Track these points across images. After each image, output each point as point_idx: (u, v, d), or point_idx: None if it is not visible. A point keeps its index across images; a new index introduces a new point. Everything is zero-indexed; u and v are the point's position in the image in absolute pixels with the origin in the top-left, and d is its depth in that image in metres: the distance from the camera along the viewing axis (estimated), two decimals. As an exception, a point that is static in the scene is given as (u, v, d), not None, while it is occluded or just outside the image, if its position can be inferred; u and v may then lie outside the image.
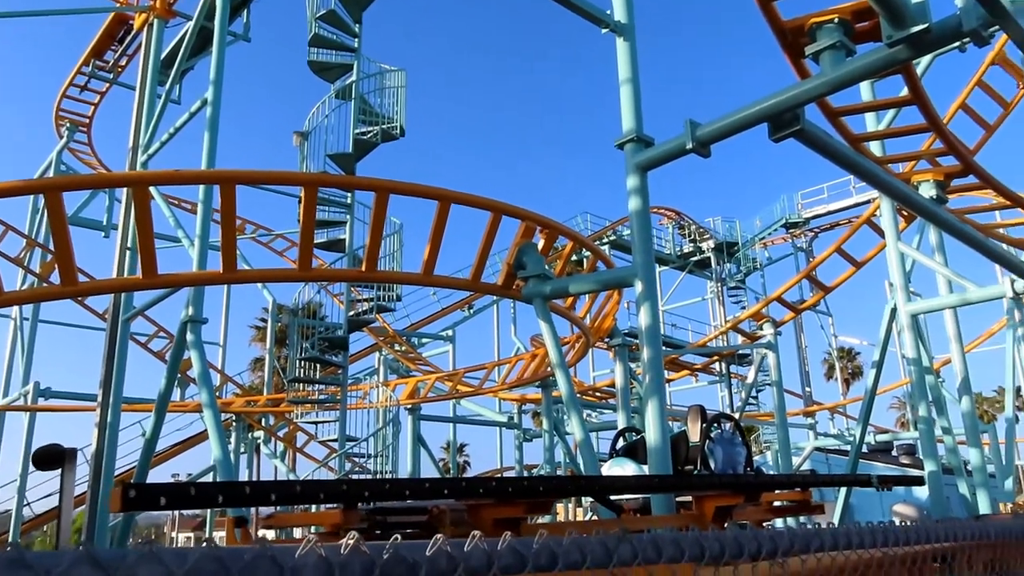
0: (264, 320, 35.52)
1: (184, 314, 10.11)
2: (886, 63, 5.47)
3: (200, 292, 10.24)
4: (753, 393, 23.72)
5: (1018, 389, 12.94)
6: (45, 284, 17.79)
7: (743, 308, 28.16)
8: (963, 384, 12.19)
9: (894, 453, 21.98)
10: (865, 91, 10.82)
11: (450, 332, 25.60)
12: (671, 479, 6.69)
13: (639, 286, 7.34)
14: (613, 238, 28.56)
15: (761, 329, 17.97)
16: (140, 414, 18.00)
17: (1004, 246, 10.12)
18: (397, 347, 22.47)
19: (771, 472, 15.89)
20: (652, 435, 6.86)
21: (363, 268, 9.21)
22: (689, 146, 6.44)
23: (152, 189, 10.30)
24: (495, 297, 24.02)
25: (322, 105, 13.77)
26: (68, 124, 21.24)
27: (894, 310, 11.81)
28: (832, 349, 35.94)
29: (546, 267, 9.18)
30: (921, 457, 11.56)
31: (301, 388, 14.89)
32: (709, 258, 30.17)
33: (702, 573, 1.73)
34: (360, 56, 13.84)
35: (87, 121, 21.41)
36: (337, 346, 13.75)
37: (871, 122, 11.16)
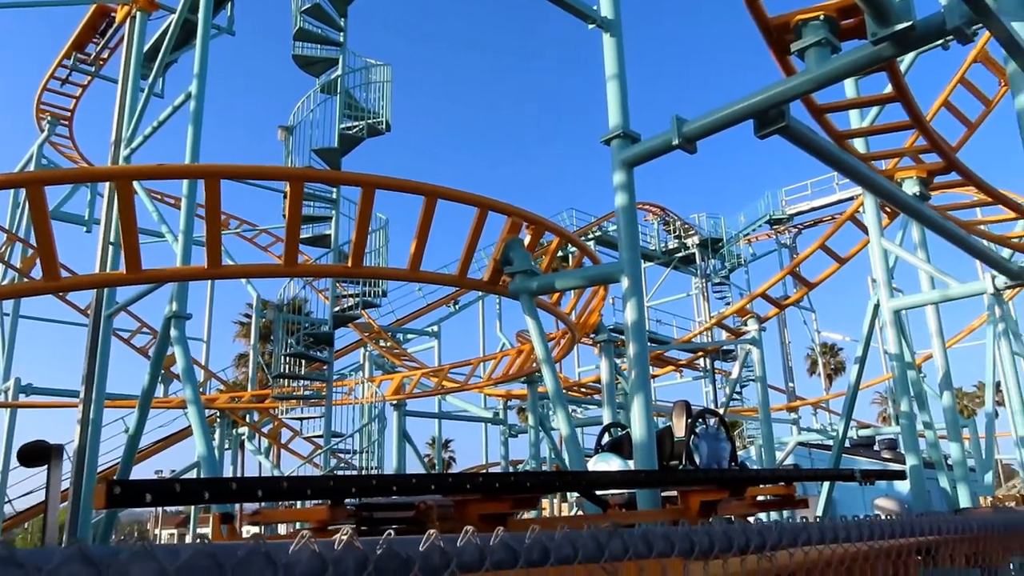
0: (248, 316, 35.32)
1: (168, 309, 10.03)
2: (871, 60, 5.51)
3: (184, 287, 10.17)
4: (737, 389, 23.89)
5: (998, 384, 13.08)
6: (26, 279, 17.58)
7: (727, 304, 28.32)
8: (944, 379, 12.32)
9: (876, 448, 22.16)
10: (849, 88, 10.88)
11: (435, 328, 25.58)
12: (657, 474, 6.72)
13: (625, 282, 7.36)
14: (599, 234, 28.62)
15: (745, 325, 18.07)
16: (123, 410, 17.85)
17: (985, 242, 10.22)
18: (383, 343, 22.43)
19: (755, 467, 16.00)
20: (637, 430, 6.89)
21: (349, 264, 9.18)
22: (675, 142, 6.46)
23: (135, 183, 10.20)
24: (481, 293, 24.02)
25: (307, 100, 13.68)
26: (49, 117, 20.97)
27: (877, 306, 11.92)
28: (815, 345, 36.23)
29: (532, 263, 9.18)
30: (903, 451, 11.69)
31: (286, 384, 14.84)
32: (694, 254, 30.29)
33: (692, 567, 1.74)
34: (345, 50, 13.76)
35: (69, 114, 21.15)
36: (322, 342, 13.70)
37: (855, 119, 11.23)
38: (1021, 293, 18.21)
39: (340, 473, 14.02)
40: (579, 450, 8.77)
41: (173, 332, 9.94)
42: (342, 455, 14.76)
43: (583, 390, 23.42)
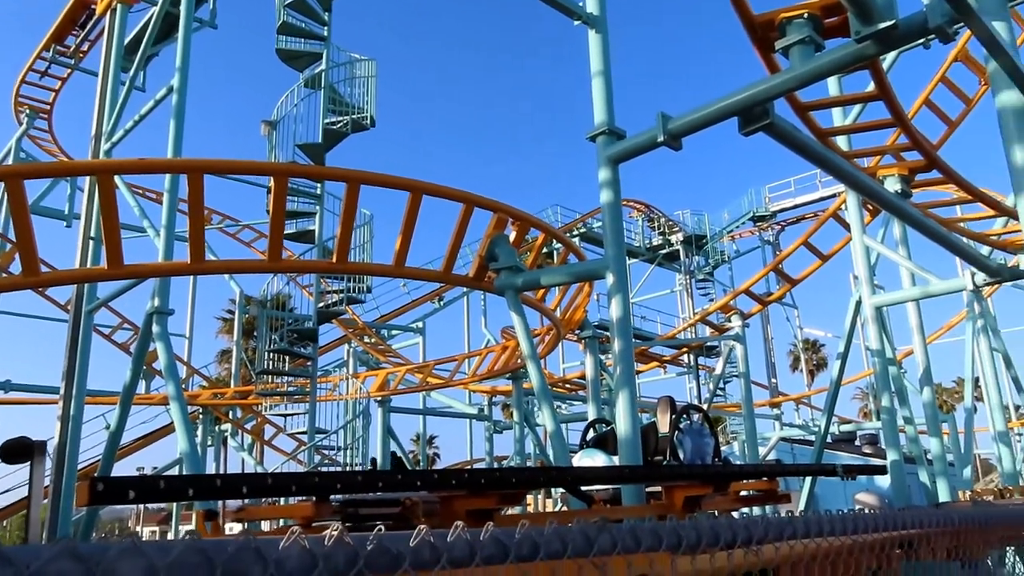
0: (231, 311, 35.13)
1: (150, 305, 9.95)
2: (854, 58, 5.55)
3: (166, 283, 10.08)
4: (721, 384, 24.06)
5: (976, 380, 13.24)
6: (6, 274, 17.36)
7: (711, 300, 28.47)
8: (924, 375, 12.45)
9: (857, 443, 22.39)
10: (833, 86, 10.96)
11: (420, 324, 25.51)
12: (641, 470, 6.75)
13: (610, 278, 7.37)
14: (583, 230, 28.68)
15: (729, 321, 18.17)
16: (104, 407, 17.69)
17: (965, 240, 10.33)
18: (367, 339, 22.34)
19: (738, 462, 16.11)
20: (622, 426, 6.92)
21: (334, 259, 9.14)
22: (661, 139, 6.48)
23: (116, 178, 10.10)
24: (465, 289, 23.99)
25: (291, 94, 13.60)
26: (28, 110, 20.71)
27: (859, 303, 12.03)
28: (798, 341, 36.57)
29: (518, 259, 9.18)
30: (883, 446, 11.81)
31: (269, 380, 14.76)
32: (678, 251, 30.44)
33: (679, 561, 1.75)
34: (330, 45, 13.69)
35: (48, 108, 20.89)
36: (306, 338, 13.64)
37: (838, 117, 11.31)
38: (1000, 290, 18.44)
39: (324, 470, 13.99)
40: (564, 446, 8.80)
41: (155, 328, 9.86)
42: (326, 451, 14.71)
43: (568, 386, 23.48)
